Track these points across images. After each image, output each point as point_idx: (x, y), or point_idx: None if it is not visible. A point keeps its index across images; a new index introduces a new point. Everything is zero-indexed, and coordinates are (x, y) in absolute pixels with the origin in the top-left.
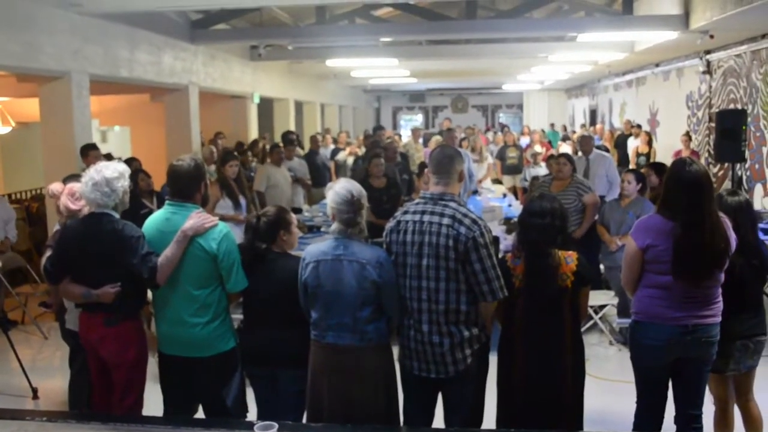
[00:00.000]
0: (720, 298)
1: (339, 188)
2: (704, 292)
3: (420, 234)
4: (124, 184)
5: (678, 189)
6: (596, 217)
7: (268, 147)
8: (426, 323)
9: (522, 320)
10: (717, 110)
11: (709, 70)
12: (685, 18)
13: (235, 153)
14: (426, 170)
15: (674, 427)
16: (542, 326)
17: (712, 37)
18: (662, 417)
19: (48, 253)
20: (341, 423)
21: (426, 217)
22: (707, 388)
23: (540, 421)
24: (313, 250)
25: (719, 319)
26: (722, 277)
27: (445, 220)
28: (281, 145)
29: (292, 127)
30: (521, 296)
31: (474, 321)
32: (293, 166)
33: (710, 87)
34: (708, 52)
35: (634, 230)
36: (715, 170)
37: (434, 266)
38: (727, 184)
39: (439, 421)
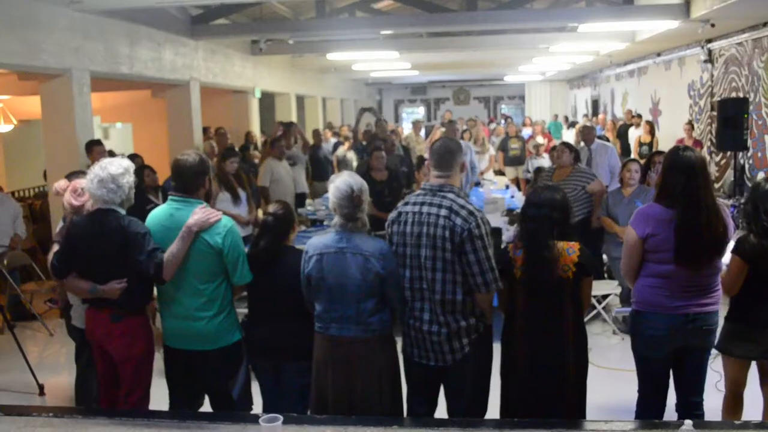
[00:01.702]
0: (719, 286)
1: (340, 183)
2: (704, 281)
3: (419, 225)
4: (130, 180)
5: (673, 175)
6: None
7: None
8: (426, 312)
9: (523, 310)
10: (719, 99)
11: (710, 59)
12: (685, 7)
13: (237, 150)
14: (426, 162)
15: (676, 414)
16: (543, 316)
17: (713, 25)
18: (664, 405)
19: (54, 248)
20: (346, 414)
21: (425, 208)
22: (723, 371)
23: (543, 410)
24: (316, 243)
25: (718, 307)
26: (721, 264)
27: (443, 212)
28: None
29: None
30: (522, 287)
31: (471, 311)
32: (291, 153)
33: (712, 76)
34: (709, 40)
35: (633, 219)
36: (717, 159)
37: (431, 257)
38: (730, 173)
39: (441, 411)
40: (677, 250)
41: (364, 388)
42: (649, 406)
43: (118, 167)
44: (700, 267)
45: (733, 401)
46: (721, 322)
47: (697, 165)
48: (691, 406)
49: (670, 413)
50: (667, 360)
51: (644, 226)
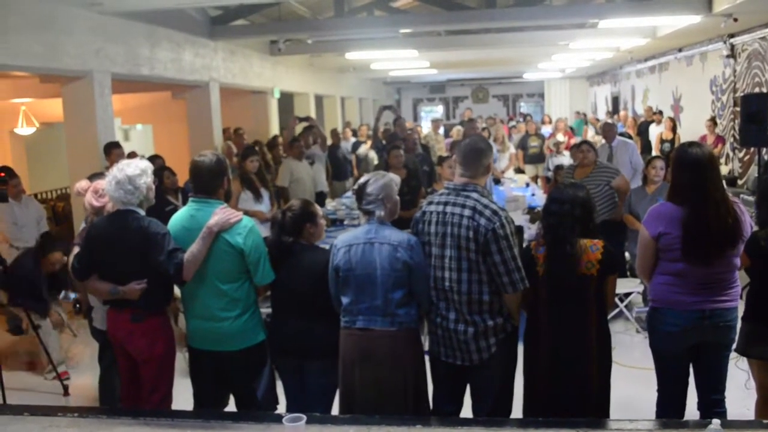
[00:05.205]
0: (737, 283)
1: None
2: (719, 277)
3: (443, 225)
4: (147, 180)
5: (681, 171)
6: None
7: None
8: (452, 311)
9: (546, 309)
10: (742, 94)
11: (733, 54)
12: (707, 1)
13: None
14: (453, 158)
15: (698, 413)
16: (566, 314)
17: (735, 20)
18: (684, 403)
19: (75, 250)
20: (373, 410)
21: (449, 208)
22: (750, 374)
23: (566, 409)
24: (345, 236)
25: (737, 303)
26: (737, 261)
27: (466, 212)
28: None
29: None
30: (544, 284)
31: (498, 310)
32: (310, 152)
33: (734, 71)
34: (732, 35)
35: (646, 218)
36: (740, 155)
37: (456, 257)
38: (754, 169)
39: (467, 410)
40: (684, 247)
41: (390, 382)
42: (669, 405)
43: (135, 169)
44: (710, 262)
45: (763, 404)
46: (739, 321)
47: (704, 160)
48: (711, 404)
49: (693, 413)
50: (685, 356)
51: (656, 225)
